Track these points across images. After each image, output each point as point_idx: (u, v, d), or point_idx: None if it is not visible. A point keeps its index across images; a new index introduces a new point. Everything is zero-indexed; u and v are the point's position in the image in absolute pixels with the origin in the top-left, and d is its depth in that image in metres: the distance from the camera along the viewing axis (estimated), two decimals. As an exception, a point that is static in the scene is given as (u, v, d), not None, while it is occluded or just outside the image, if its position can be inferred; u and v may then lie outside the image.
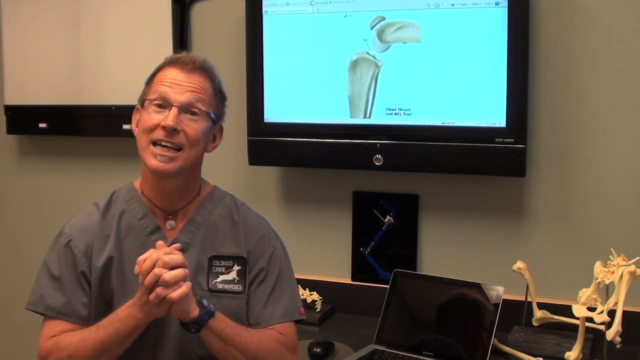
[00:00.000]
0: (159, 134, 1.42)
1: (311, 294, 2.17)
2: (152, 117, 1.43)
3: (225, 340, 1.41)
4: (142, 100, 1.48)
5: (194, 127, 1.45)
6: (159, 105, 1.44)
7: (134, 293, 1.38)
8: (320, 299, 2.18)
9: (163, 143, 1.42)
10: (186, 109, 1.44)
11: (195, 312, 1.36)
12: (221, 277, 1.51)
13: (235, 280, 1.51)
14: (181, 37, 2.36)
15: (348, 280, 2.24)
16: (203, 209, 1.55)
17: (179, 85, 1.44)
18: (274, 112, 2.16)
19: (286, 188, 2.32)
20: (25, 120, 2.58)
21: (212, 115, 1.49)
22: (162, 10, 2.34)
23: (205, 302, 1.39)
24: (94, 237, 1.49)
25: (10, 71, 2.59)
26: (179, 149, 1.43)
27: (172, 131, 1.42)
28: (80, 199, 2.49)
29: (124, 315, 1.37)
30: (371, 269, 2.21)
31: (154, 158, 1.42)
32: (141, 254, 1.47)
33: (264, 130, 2.17)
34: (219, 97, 1.52)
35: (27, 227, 2.72)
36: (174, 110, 1.42)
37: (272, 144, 2.16)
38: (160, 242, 1.37)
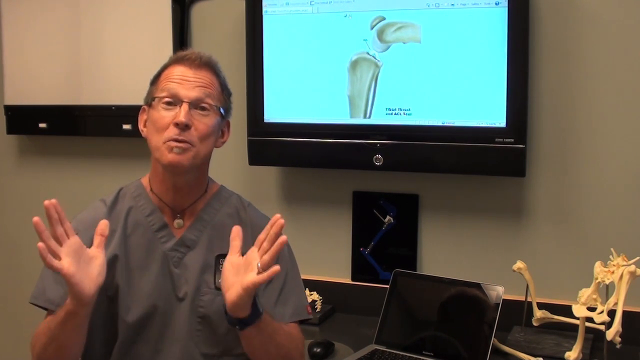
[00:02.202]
0: (172, 132, 1.42)
1: (311, 294, 2.17)
2: (163, 114, 1.44)
3: (264, 338, 1.39)
4: (150, 99, 1.48)
5: (204, 122, 1.45)
6: (169, 103, 1.44)
7: (139, 290, 1.37)
8: (320, 299, 2.18)
9: (176, 140, 1.42)
10: (196, 104, 1.44)
11: (247, 311, 1.32)
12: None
13: None
14: (181, 37, 2.36)
15: (348, 280, 2.24)
16: (210, 207, 1.55)
17: (187, 81, 1.45)
18: (274, 112, 2.16)
19: (286, 188, 2.32)
20: (25, 120, 2.58)
21: (222, 109, 1.49)
22: (162, 10, 2.34)
23: (258, 301, 1.35)
24: None
25: (10, 71, 2.59)
26: (190, 144, 1.44)
27: (184, 127, 1.42)
28: (80, 199, 2.49)
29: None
30: (371, 269, 2.21)
31: (169, 152, 1.42)
32: (148, 251, 1.47)
33: (264, 130, 2.17)
34: (225, 92, 1.53)
35: (27, 227, 2.69)
36: (185, 106, 1.42)
37: (272, 144, 2.16)
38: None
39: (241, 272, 1.30)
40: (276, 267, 1.25)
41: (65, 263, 1.25)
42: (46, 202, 1.27)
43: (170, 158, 1.42)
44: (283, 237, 1.28)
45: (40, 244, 1.22)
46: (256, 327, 1.36)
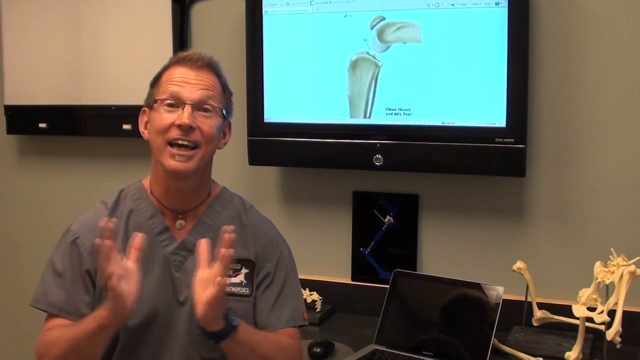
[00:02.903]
0: (174, 133, 1.41)
1: (311, 294, 2.17)
2: (165, 117, 1.43)
3: (245, 350, 1.40)
4: (152, 101, 1.47)
5: (208, 123, 1.44)
6: (171, 105, 1.43)
7: (140, 294, 1.37)
8: (320, 299, 2.18)
9: (180, 142, 1.41)
10: (199, 106, 1.44)
11: (219, 325, 1.34)
12: (229, 280, 1.50)
13: (243, 284, 1.51)
14: (181, 37, 2.36)
15: (348, 280, 2.24)
16: (212, 210, 1.54)
17: (189, 83, 1.44)
18: (274, 112, 2.16)
19: (286, 188, 2.32)
20: (25, 120, 2.58)
21: (224, 111, 1.49)
22: (162, 10, 2.34)
23: (232, 315, 1.37)
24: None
25: (10, 71, 2.59)
26: (195, 146, 1.43)
27: (188, 129, 1.41)
28: (80, 199, 2.50)
29: (94, 313, 1.35)
30: (371, 269, 2.21)
31: (172, 159, 1.42)
32: (149, 255, 1.46)
33: (264, 130, 2.17)
34: (227, 93, 1.52)
35: (27, 227, 2.72)
36: (188, 108, 1.42)
37: (272, 144, 2.16)
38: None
39: (207, 286, 1.31)
40: (222, 280, 1.27)
41: (123, 285, 1.28)
42: (98, 241, 1.27)
43: (173, 165, 1.42)
44: (222, 251, 1.29)
45: (114, 271, 1.25)
46: (232, 340, 1.36)
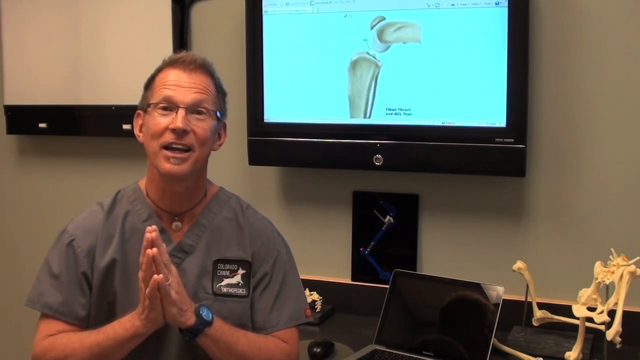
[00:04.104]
0: (168, 137, 1.41)
1: (311, 294, 2.17)
2: (159, 120, 1.42)
3: (221, 347, 1.41)
4: (146, 105, 1.47)
5: (202, 126, 1.44)
6: (165, 108, 1.43)
7: (137, 296, 1.38)
8: (320, 299, 2.18)
9: (174, 145, 1.41)
10: (192, 109, 1.43)
11: (190, 321, 1.36)
12: (226, 281, 1.50)
13: (240, 284, 1.51)
14: (181, 37, 2.36)
15: (348, 280, 2.24)
16: (209, 211, 1.54)
17: (182, 86, 1.43)
18: (274, 112, 2.16)
19: (286, 188, 2.32)
20: (25, 120, 2.58)
21: (218, 113, 1.49)
22: (162, 10, 2.34)
23: (204, 311, 1.39)
24: (97, 237, 1.48)
25: (10, 71, 2.59)
26: (188, 149, 1.43)
27: (182, 133, 1.41)
28: (80, 199, 2.50)
29: (125, 321, 1.37)
30: (371, 269, 2.21)
31: (166, 162, 1.41)
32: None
33: (264, 130, 2.17)
34: (220, 94, 1.52)
35: (26, 227, 2.72)
36: (182, 112, 1.41)
37: (272, 144, 2.16)
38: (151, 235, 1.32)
39: None
40: (156, 278, 1.30)
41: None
42: (149, 251, 1.32)
43: (168, 168, 1.42)
44: (147, 252, 1.31)
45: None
46: (207, 336, 1.38)
